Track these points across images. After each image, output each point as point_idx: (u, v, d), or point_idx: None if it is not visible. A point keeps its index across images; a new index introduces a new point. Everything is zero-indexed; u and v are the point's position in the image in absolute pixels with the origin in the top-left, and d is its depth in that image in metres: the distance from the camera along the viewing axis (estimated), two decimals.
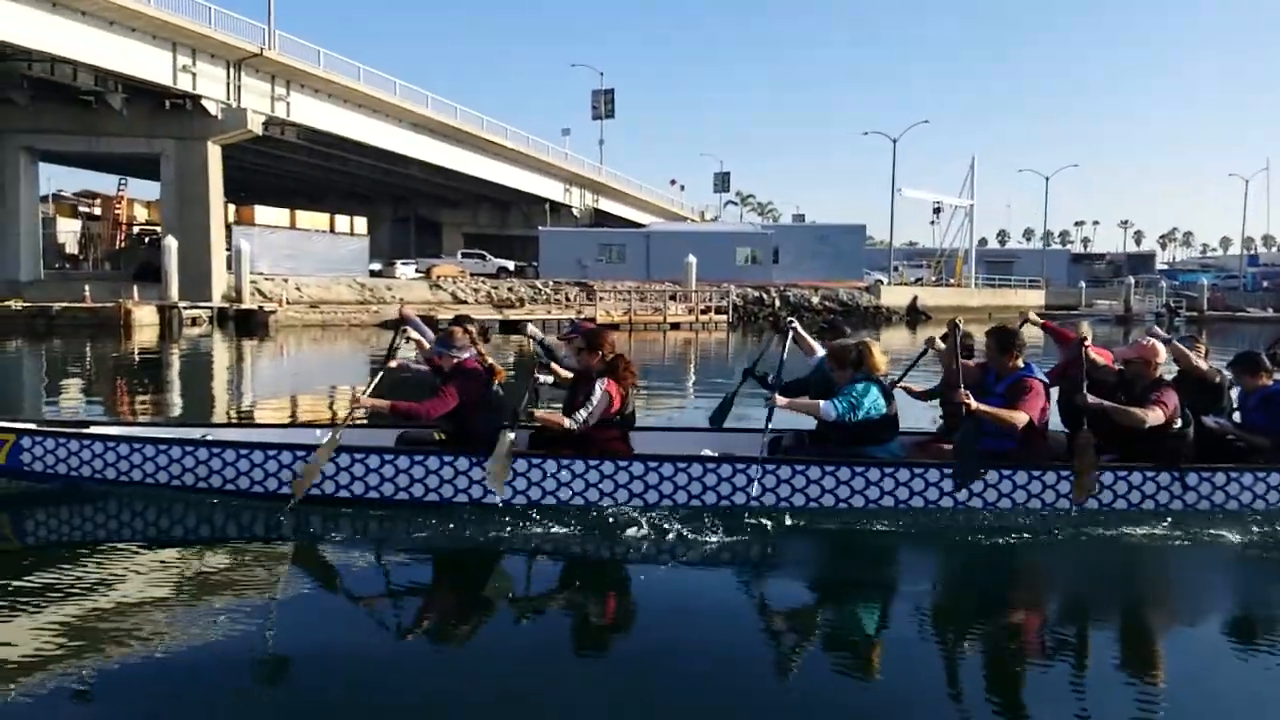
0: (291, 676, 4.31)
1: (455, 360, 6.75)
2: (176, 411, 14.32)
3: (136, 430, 7.72)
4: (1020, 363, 6.74)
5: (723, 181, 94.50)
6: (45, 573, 5.52)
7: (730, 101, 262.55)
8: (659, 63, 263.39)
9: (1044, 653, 4.84)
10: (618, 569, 6.00)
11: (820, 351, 7.58)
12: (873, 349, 6.82)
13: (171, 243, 35.61)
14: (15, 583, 5.32)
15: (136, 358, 23.99)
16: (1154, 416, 6.48)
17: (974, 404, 6.41)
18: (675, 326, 38.46)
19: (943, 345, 7.50)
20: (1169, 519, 6.66)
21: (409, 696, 4.06)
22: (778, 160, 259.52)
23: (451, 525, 6.38)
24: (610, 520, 6.46)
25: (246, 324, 34.08)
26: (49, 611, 4.92)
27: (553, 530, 6.30)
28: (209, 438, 7.24)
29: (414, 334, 7.62)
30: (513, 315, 37.47)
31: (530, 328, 8.79)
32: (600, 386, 6.61)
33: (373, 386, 7.18)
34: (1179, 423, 6.64)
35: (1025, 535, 6.45)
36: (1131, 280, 58.38)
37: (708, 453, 7.16)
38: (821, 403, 6.61)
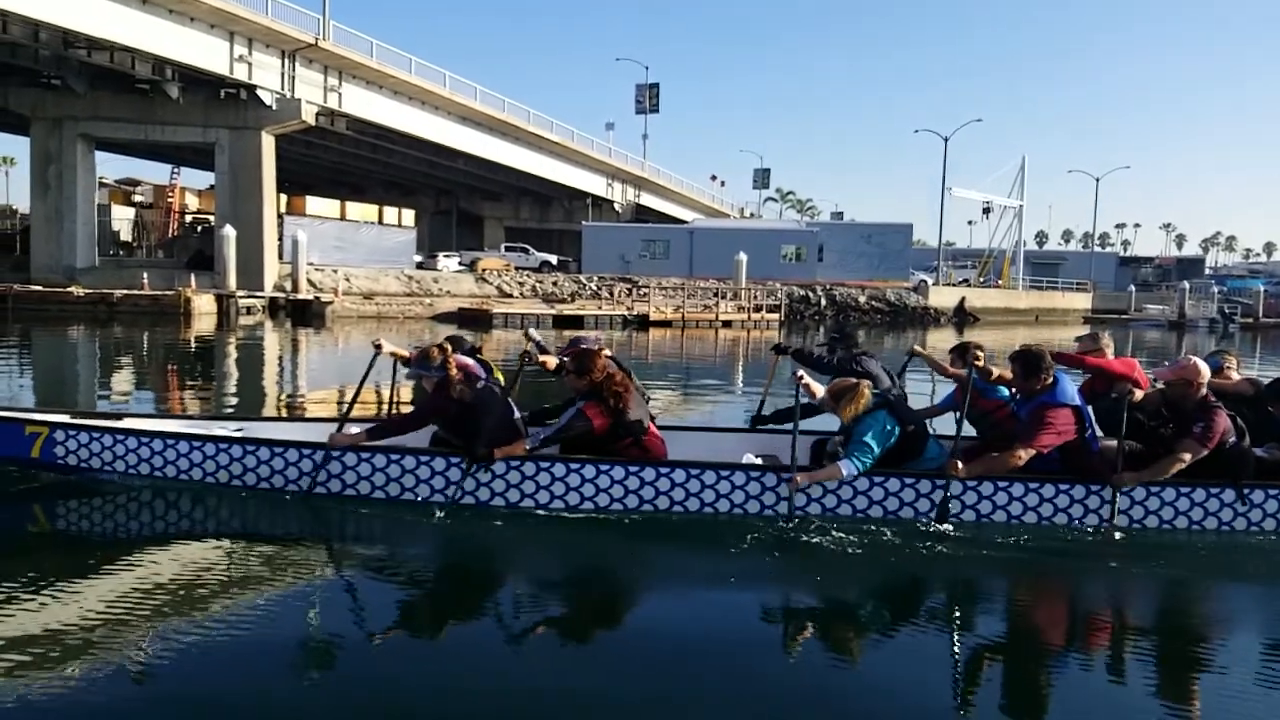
0: (316, 672, 4.29)
1: (432, 379, 6.79)
2: (233, 401, 14.29)
3: (170, 424, 7.59)
4: (1050, 380, 6.40)
5: (763, 178, 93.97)
6: (77, 564, 5.47)
7: (771, 98, 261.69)
8: (698, 58, 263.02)
9: (1086, 676, 4.56)
10: (651, 577, 5.84)
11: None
12: (863, 396, 6.46)
13: (230, 231, 35.84)
14: (48, 574, 5.31)
15: (196, 345, 24.12)
16: (1192, 453, 6.20)
17: (962, 470, 6.28)
18: (727, 324, 38.18)
19: (922, 351, 7.88)
20: (1232, 538, 6.39)
21: (429, 693, 4.07)
22: (817, 158, 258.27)
23: (483, 528, 6.33)
24: (646, 527, 6.31)
25: (302, 314, 34.27)
26: (79, 603, 4.89)
27: (585, 535, 6.18)
28: (244, 433, 7.11)
29: (396, 350, 7.57)
30: (566, 311, 37.37)
31: (531, 330, 8.80)
32: (575, 410, 6.59)
33: (345, 417, 7.02)
34: (1232, 438, 6.33)
35: (1075, 551, 6.17)
36: (1186, 285, 57.25)
37: (750, 458, 6.95)
38: (841, 465, 6.32)
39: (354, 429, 6.86)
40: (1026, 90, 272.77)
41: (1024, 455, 6.24)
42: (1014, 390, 6.68)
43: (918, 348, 8.21)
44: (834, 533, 6.18)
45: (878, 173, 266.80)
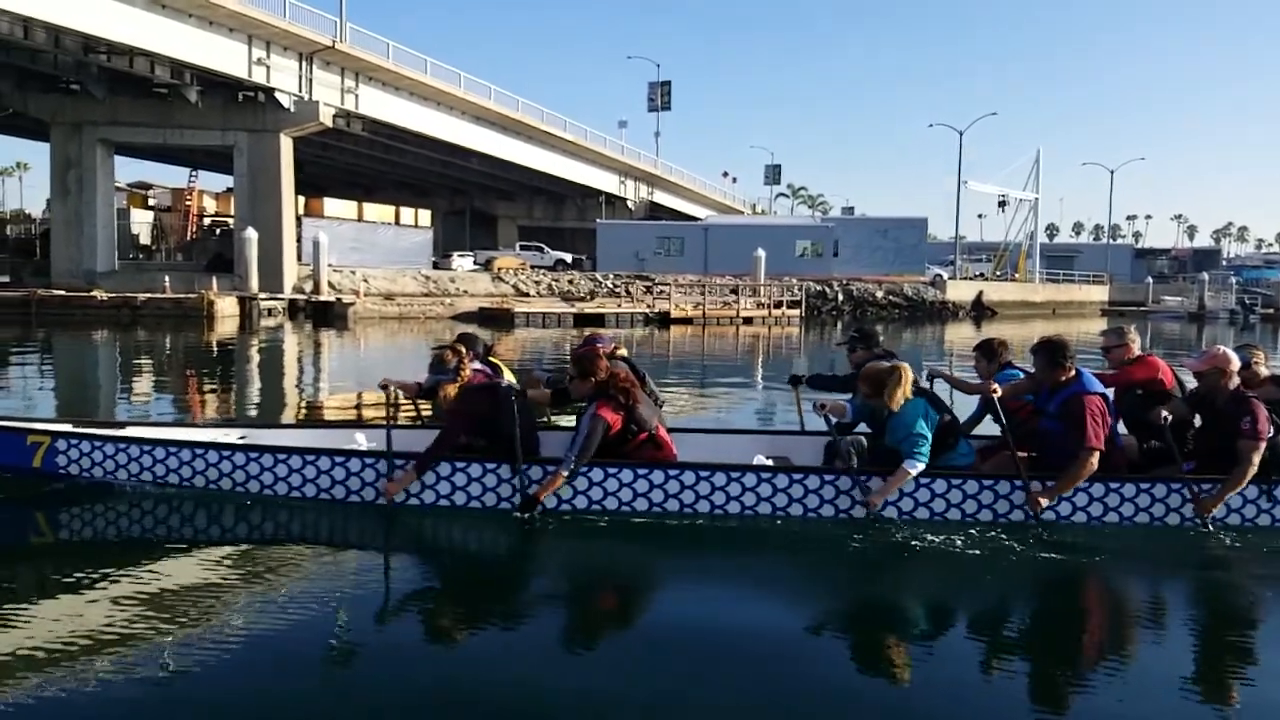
0: (328, 676, 4.25)
1: (449, 383, 6.70)
2: (255, 403, 14.34)
3: (173, 432, 7.56)
4: (1074, 372, 6.35)
5: (774, 174, 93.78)
6: (80, 572, 5.45)
7: (780, 95, 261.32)
8: (706, 54, 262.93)
9: (1104, 676, 4.47)
10: (665, 579, 5.84)
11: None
12: (904, 378, 6.31)
13: (251, 234, 35.97)
14: (50, 582, 5.32)
15: (220, 349, 24.23)
16: (1256, 451, 6.10)
17: (1044, 501, 6.25)
18: (747, 321, 38.10)
19: (941, 371, 7.65)
20: (1255, 534, 6.32)
21: (447, 697, 4.01)
22: (826, 154, 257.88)
23: (499, 531, 6.32)
24: (656, 529, 6.30)
25: (324, 315, 34.39)
26: (82, 611, 4.88)
27: (593, 538, 6.18)
28: (246, 440, 7.10)
29: (403, 383, 7.37)
30: (586, 309, 37.39)
31: (535, 371, 8.77)
32: (588, 415, 6.47)
33: (391, 458, 6.77)
34: (1271, 429, 6.23)
35: (1095, 550, 6.09)
36: (1206, 276, 56.92)
37: (760, 459, 6.92)
38: (906, 467, 6.22)
39: (380, 449, 6.74)
40: (1030, 89, 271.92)
41: (1093, 460, 6.19)
42: (1037, 385, 6.63)
43: (934, 366, 8.17)
44: (912, 537, 6.17)
45: (884, 169, 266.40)
